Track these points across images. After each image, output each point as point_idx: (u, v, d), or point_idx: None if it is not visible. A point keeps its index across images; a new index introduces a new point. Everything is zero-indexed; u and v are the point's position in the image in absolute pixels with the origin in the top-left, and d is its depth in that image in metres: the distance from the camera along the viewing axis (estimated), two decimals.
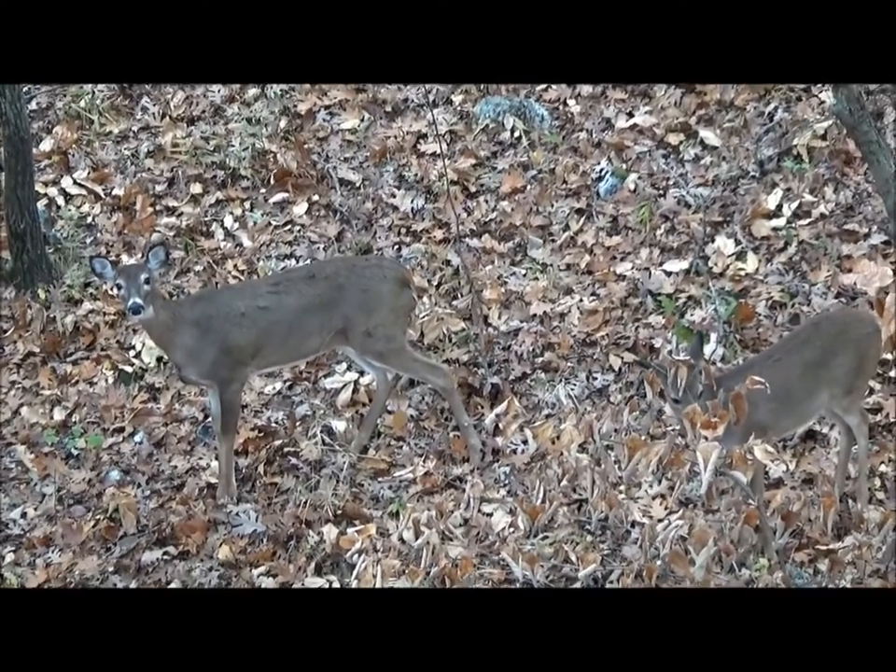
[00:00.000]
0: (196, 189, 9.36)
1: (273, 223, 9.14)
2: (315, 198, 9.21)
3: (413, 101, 9.66)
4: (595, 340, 8.14)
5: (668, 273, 8.37)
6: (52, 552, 7.44)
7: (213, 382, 7.55)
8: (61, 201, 9.42)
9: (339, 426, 7.92)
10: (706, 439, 5.52)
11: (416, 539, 6.73)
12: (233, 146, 9.45)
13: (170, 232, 9.10)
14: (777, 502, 6.88)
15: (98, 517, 7.59)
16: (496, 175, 9.15)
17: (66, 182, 9.50)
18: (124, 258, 8.90)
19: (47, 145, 9.68)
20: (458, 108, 9.53)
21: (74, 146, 9.69)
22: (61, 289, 8.82)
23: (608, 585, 6.54)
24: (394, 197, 9.13)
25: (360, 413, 8.03)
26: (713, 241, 8.46)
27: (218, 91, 9.85)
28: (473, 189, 9.10)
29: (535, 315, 8.32)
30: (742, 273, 8.26)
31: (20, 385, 8.48)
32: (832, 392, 6.83)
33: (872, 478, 7.14)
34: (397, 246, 8.87)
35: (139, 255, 8.73)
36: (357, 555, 6.49)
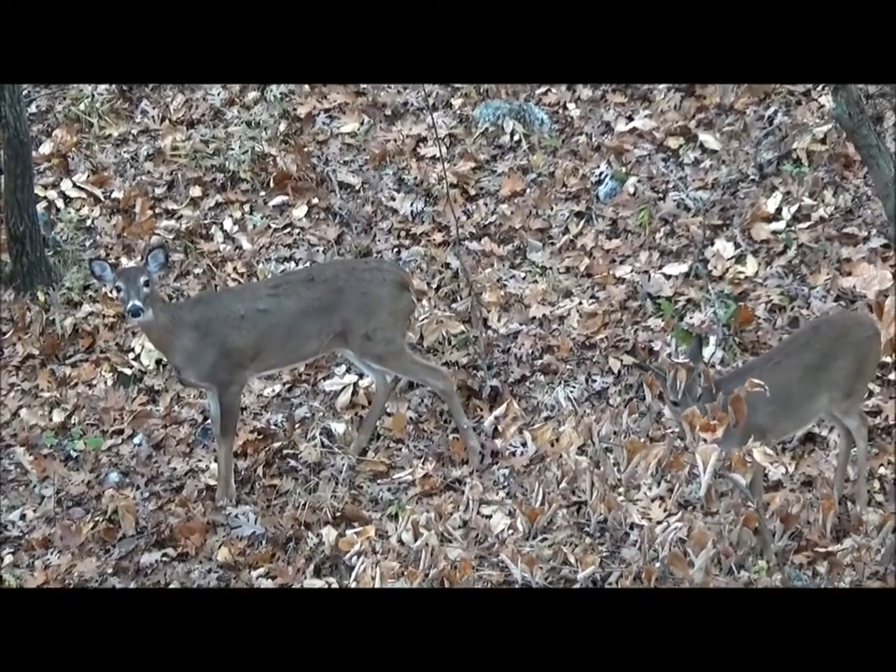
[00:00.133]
0: (196, 191, 9.36)
1: (273, 226, 9.14)
2: (315, 201, 9.21)
3: (412, 104, 9.66)
4: (594, 342, 8.13)
5: (668, 277, 8.37)
6: (51, 553, 7.43)
7: (212, 384, 7.55)
8: (60, 203, 9.43)
9: (338, 428, 7.92)
10: (705, 441, 5.52)
11: (415, 540, 6.71)
12: (233, 149, 9.45)
13: (169, 235, 9.10)
14: (776, 504, 6.87)
15: (97, 519, 7.58)
16: (495, 179, 9.16)
17: (66, 185, 9.50)
18: (124, 260, 8.89)
19: (46, 148, 9.68)
20: (458, 112, 9.53)
21: (73, 148, 9.69)
22: (60, 292, 8.82)
23: (606, 587, 6.53)
24: (393, 200, 9.13)
25: (359, 416, 8.03)
26: (712, 244, 8.46)
27: (218, 94, 9.86)
28: (473, 193, 9.11)
29: (534, 317, 8.32)
30: (741, 276, 8.27)
31: (19, 387, 8.48)
32: (831, 395, 6.83)
33: (871, 480, 7.14)
34: (396, 249, 8.87)
35: (138, 257, 8.72)
36: (355, 557, 6.48)
